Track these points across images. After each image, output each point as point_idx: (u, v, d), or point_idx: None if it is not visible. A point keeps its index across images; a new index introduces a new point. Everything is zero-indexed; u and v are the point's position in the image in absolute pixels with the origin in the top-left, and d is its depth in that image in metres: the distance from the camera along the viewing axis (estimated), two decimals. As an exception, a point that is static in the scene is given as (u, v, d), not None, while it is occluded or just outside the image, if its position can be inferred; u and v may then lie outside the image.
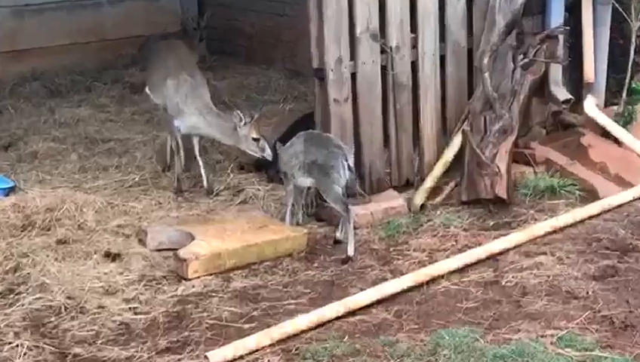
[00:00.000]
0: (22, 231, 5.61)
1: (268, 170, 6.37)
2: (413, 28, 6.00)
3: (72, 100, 8.77)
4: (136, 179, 6.56)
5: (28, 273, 5.11)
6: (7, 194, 6.16)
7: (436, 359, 4.11)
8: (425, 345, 4.23)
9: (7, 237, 5.51)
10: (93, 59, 9.98)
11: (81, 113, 8.23)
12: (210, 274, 5.10)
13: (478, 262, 5.08)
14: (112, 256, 5.32)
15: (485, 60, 5.87)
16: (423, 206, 5.85)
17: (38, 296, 4.88)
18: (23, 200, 5.90)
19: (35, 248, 5.37)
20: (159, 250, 5.43)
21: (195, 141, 6.33)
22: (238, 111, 5.83)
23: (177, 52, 6.49)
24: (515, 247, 5.22)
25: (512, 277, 4.91)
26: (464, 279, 4.93)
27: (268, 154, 5.83)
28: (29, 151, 7.25)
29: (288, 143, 5.58)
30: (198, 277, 5.07)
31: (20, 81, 9.33)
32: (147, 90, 6.64)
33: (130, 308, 4.77)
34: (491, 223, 5.62)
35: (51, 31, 9.96)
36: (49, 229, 5.63)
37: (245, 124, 5.81)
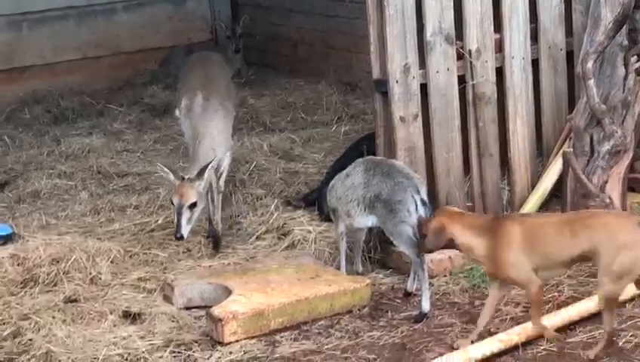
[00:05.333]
0: (22, 288, 5.70)
1: (321, 205, 6.38)
2: (498, 26, 6.01)
3: (81, 127, 8.98)
4: (160, 221, 6.61)
5: (30, 339, 5.16)
6: (3, 243, 6.28)
7: None
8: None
9: (5, 296, 5.60)
10: (105, 78, 10.22)
11: (92, 142, 8.39)
12: (252, 337, 5.10)
13: (588, 318, 5.01)
14: (131, 317, 5.36)
15: (589, 65, 5.81)
16: (515, 248, 5.82)
17: (42, 367, 4.94)
18: (23, 249, 6.00)
19: (39, 308, 5.44)
20: (189, 308, 5.47)
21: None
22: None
23: (206, 67, 6.63)
24: (633, 299, 5.13)
25: (631, 336, 4.82)
26: (570, 339, 4.86)
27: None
28: (29, 189, 7.40)
29: (343, 173, 5.59)
30: (237, 340, 5.07)
31: (18, 105, 9.60)
32: (177, 113, 6.72)
33: (154, 380, 4.80)
34: (603, 268, 5.57)
35: (55, 44, 10.22)
36: (55, 285, 5.72)
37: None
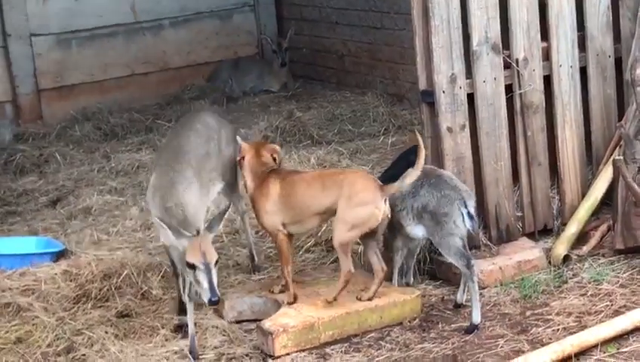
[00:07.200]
0: (75, 304, 5.78)
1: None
2: (545, 35, 5.99)
3: (131, 143, 9.06)
4: (209, 235, 6.66)
5: (83, 354, 5.24)
6: (56, 260, 6.36)
7: None
8: None
9: (58, 311, 5.68)
10: (153, 94, 10.31)
11: (141, 158, 8.47)
12: (303, 350, 5.12)
13: (641, 328, 4.97)
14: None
15: (638, 71, 5.80)
16: (566, 257, 5.78)
17: (96, 381, 5.01)
18: (75, 265, 6.08)
19: (92, 323, 5.52)
20: (239, 322, 5.50)
21: None
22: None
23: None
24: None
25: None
26: (624, 349, 4.82)
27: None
28: (80, 206, 7.49)
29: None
30: (288, 353, 5.09)
31: (68, 122, 9.71)
32: None
33: (206, 394, 4.84)
34: (656, 277, 5.52)
35: (104, 61, 10.34)
36: (107, 300, 5.78)
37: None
